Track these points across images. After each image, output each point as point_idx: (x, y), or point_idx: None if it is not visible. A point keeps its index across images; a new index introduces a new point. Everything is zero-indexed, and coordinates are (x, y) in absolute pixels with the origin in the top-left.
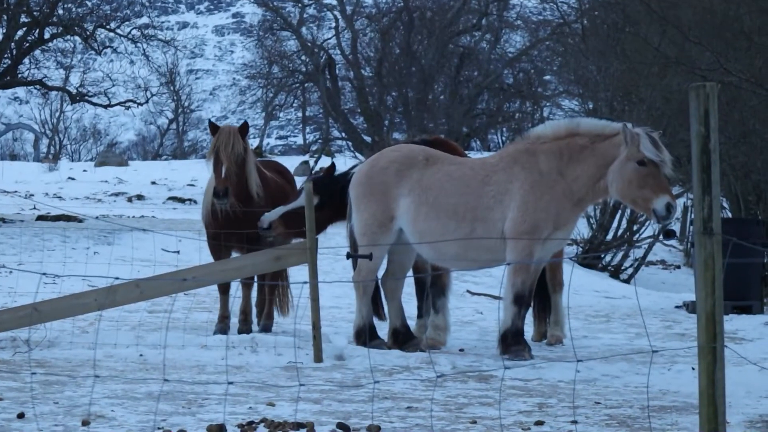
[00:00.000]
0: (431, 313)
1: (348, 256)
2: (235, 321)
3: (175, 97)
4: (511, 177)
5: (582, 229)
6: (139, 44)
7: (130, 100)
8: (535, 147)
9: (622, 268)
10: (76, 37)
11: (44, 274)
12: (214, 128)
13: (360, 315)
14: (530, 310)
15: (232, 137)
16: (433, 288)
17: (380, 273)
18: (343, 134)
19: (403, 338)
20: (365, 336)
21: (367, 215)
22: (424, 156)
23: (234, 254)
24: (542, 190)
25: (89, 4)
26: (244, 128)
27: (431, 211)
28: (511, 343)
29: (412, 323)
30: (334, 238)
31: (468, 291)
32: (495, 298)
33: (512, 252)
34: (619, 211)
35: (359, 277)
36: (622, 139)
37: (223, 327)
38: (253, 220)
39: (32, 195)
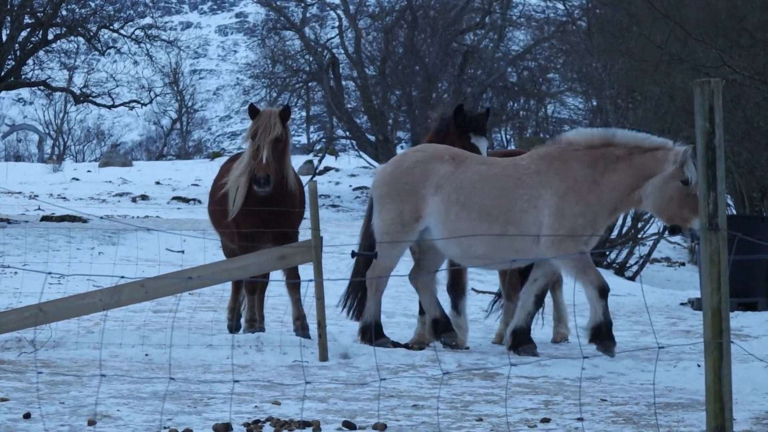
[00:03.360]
0: (452, 314)
1: (353, 254)
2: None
3: (178, 97)
4: (544, 182)
5: None
6: (142, 44)
7: (134, 101)
8: (567, 154)
9: (627, 265)
10: (80, 38)
11: (49, 273)
12: (254, 111)
13: (368, 312)
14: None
15: (273, 120)
16: (454, 289)
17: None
18: (347, 133)
19: (443, 327)
20: (371, 333)
21: (392, 215)
22: (450, 155)
23: None
24: (577, 198)
25: (92, 4)
26: (285, 112)
27: (462, 210)
28: (605, 336)
29: (413, 320)
30: (338, 237)
31: (473, 289)
32: (499, 296)
33: (561, 259)
34: None
35: (373, 274)
36: (665, 155)
37: (254, 330)
38: (287, 215)
39: (37, 196)
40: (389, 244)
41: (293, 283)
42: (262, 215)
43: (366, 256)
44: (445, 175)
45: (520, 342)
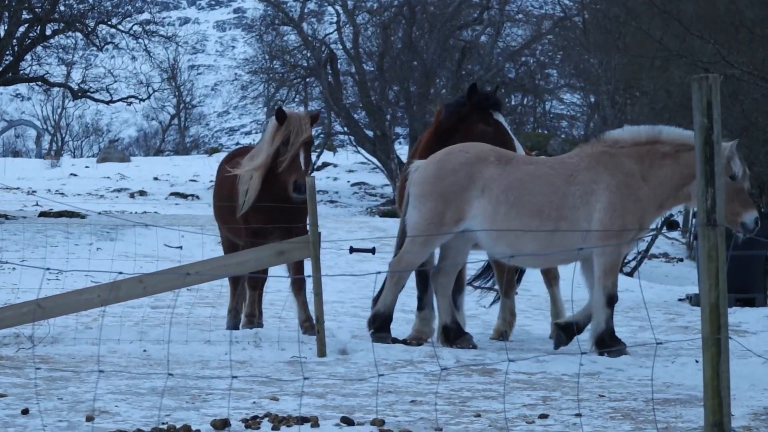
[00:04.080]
0: None
1: (351, 250)
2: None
3: (176, 93)
4: (595, 178)
5: None
6: (140, 40)
7: (132, 96)
8: (615, 150)
9: (625, 261)
10: (78, 34)
11: (47, 269)
12: (282, 115)
13: (383, 302)
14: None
15: (304, 125)
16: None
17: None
18: (345, 129)
19: (454, 335)
20: (377, 323)
21: (431, 215)
22: (495, 156)
23: None
24: (627, 193)
25: (90, 0)
26: (316, 117)
27: (511, 210)
28: (611, 344)
29: (411, 316)
30: (336, 233)
31: (470, 284)
32: (496, 291)
33: (601, 255)
34: None
35: (398, 266)
36: None
37: (252, 326)
38: (295, 213)
39: (34, 191)
40: (421, 243)
41: (299, 285)
42: (272, 211)
43: (363, 251)
44: (492, 177)
45: (609, 344)
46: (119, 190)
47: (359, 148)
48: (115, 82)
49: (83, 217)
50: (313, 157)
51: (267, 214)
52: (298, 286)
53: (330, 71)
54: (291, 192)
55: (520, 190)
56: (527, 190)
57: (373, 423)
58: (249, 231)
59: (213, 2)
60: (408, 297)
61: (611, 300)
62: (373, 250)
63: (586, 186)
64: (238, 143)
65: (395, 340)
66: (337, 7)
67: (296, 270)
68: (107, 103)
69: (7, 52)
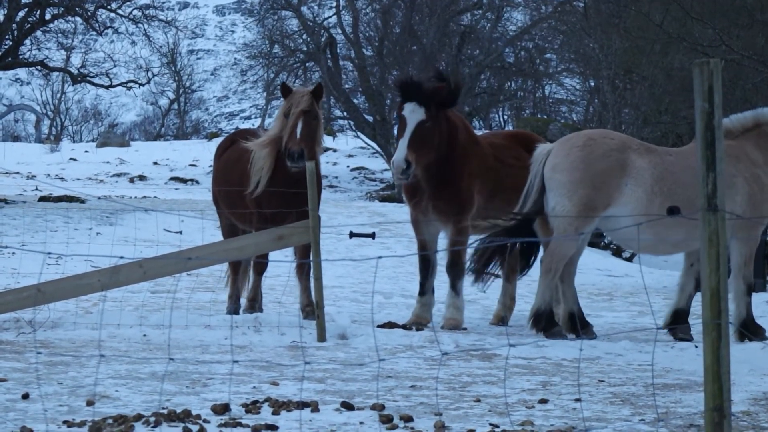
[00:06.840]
0: (450, 294)
1: (351, 235)
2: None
3: (176, 78)
4: (733, 171)
5: None
6: (140, 24)
7: (132, 81)
8: (735, 142)
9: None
10: (78, 18)
11: (48, 253)
12: (286, 90)
13: (542, 299)
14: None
15: (306, 98)
16: (453, 269)
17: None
18: (345, 113)
19: (581, 323)
20: (543, 322)
21: (583, 201)
22: (637, 144)
23: None
24: (760, 184)
25: None
26: (318, 90)
27: (666, 201)
28: (754, 330)
29: (411, 301)
30: (336, 218)
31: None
32: (497, 276)
33: (744, 245)
34: None
35: (551, 260)
36: None
37: (253, 310)
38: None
39: (34, 176)
40: (572, 230)
41: (305, 270)
42: (286, 196)
43: (362, 236)
44: (642, 166)
45: (678, 322)
46: (119, 175)
47: (359, 133)
48: (115, 66)
49: (83, 201)
50: None
51: (281, 198)
52: (302, 270)
53: (329, 56)
54: (286, 161)
55: (672, 181)
56: (679, 181)
57: (373, 408)
58: (261, 217)
59: None
60: (408, 282)
61: (750, 289)
62: (372, 235)
63: (727, 179)
64: (237, 128)
65: (394, 325)
66: None
67: (302, 254)
68: (107, 87)
69: (7, 37)
